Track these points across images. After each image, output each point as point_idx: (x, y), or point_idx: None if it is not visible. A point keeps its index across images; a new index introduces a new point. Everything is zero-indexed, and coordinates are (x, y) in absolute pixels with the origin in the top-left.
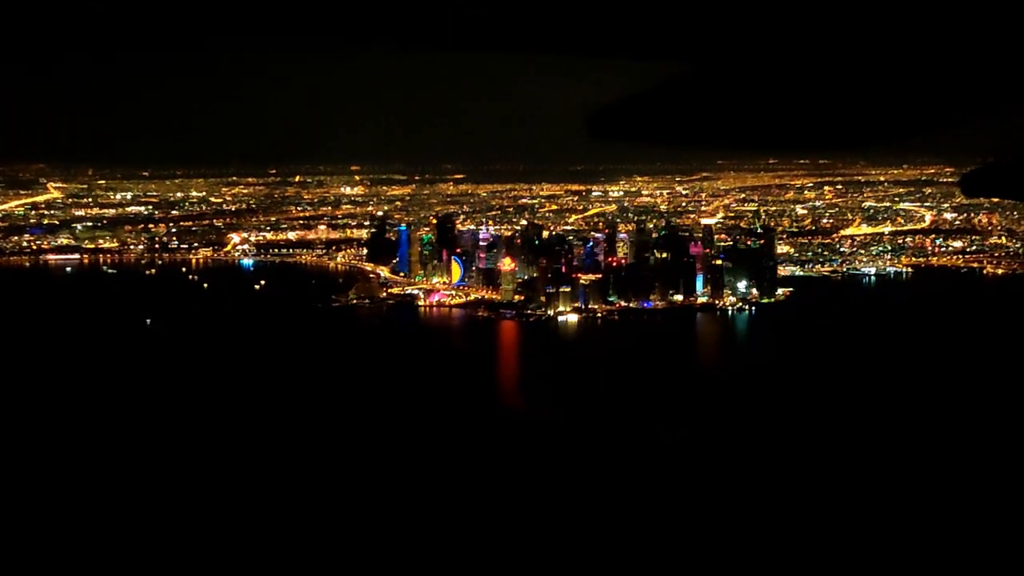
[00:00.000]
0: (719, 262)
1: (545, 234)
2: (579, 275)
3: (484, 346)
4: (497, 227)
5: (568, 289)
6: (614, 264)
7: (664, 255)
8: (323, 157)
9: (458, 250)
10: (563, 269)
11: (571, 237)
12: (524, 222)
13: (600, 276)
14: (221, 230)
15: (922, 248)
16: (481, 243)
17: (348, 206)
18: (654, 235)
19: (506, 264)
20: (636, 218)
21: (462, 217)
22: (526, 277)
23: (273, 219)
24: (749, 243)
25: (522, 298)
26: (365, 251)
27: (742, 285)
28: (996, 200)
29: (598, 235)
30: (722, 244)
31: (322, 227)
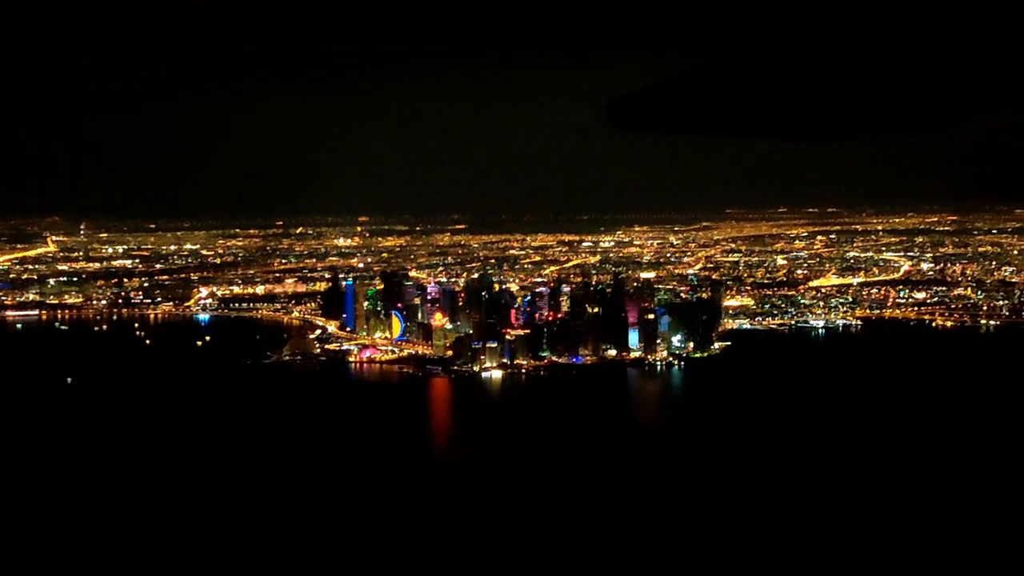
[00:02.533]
0: (651, 316)
1: (498, 287)
2: (507, 330)
3: (384, 406)
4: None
5: (495, 345)
6: (550, 318)
7: (596, 309)
8: (334, 208)
9: (399, 305)
10: (491, 324)
11: (540, 289)
12: (475, 275)
13: (529, 331)
14: (193, 283)
15: (881, 300)
16: (430, 296)
17: (334, 258)
18: (594, 289)
19: (437, 319)
20: (613, 269)
21: (439, 269)
22: (467, 331)
23: (251, 272)
24: (685, 296)
25: (451, 353)
26: (320, 305)
27: (677, 339)
28: (969, 250)
29: (543, 289)
30: (663, 298)
31: (290, 281)
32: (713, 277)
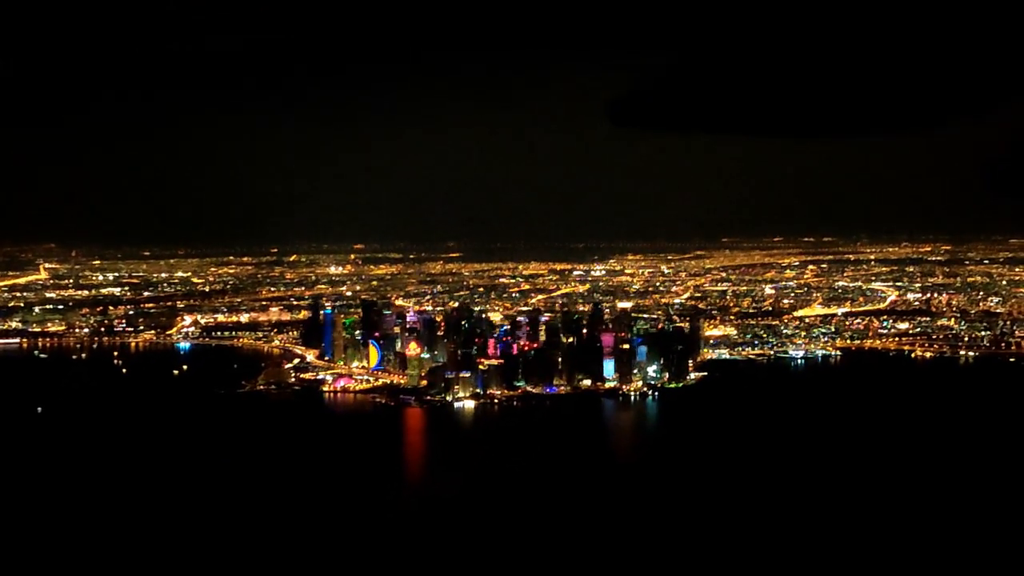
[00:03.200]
0: (627, 346)
1: (479, 315)
2: (482, 360)
3: (352, 438)
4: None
5: (468, 375)
6: (526, 348)
7: (571, 339)
8: (329, 236)
9: (376, 334)
10: (467, 354)
11: (519, 318)
12: (455, 304)
13: (503, 361)
14: (178, 311)
15: (863, 330)
16: (410, 325)
17: (323, 286)
18: (574, 318)
19: (412, 349)
20: (596, 298)
21: (427, 298)
22: (443, 361)
23: (238, 300)
24: (661, 327)
25: (426, 383)
26: (301, 334)
27: (652, 369)
28: (958, 281)
29: (521, 319)
30: (642, 327)
31: (274, 309)
32: (700, 306)
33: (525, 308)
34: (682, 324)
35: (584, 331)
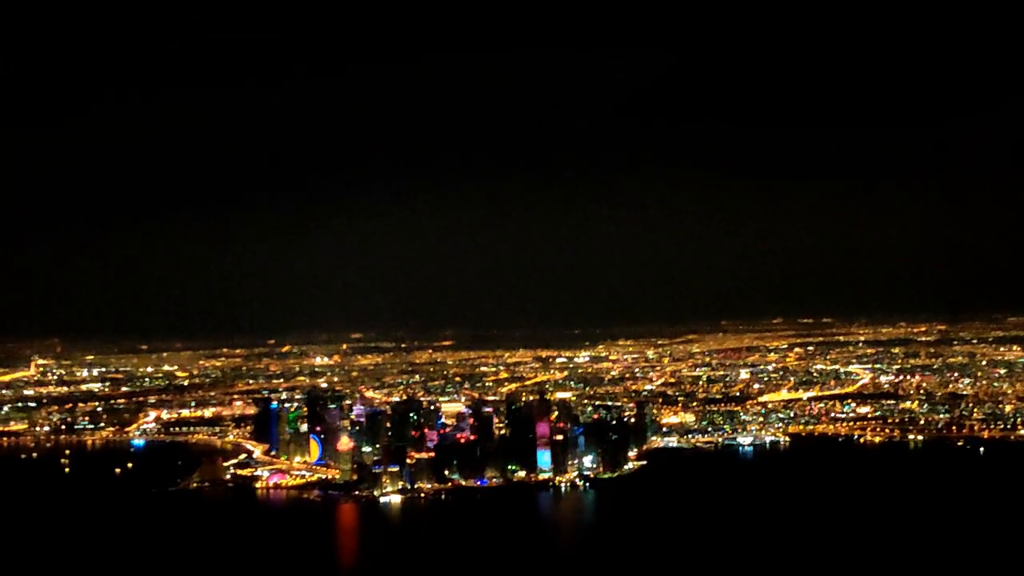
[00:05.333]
0: (560, 437)
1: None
2: (412, 453)
3: (266, 539)
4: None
5: (396, 468)
6: (462, 440)
7: (504, 430)
8: (329, 325)
9: (317, 428)
10: (400, 447)
11: (465, 410)
12: (404, 396)
13: (433, 454)
14: (146, 407)
15: (819, 415)
16: (357, 418)
17: (303, 378)
18: (513, 408)
19: (343, 443)
20: (573, 386)
21: (400, 387)
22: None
23: (212, 394)
24: (597, 417)
25: (356, 478)
26: (252, 429)
27: (589, 460)
28: (939, 362)
29: (465, 411)
30: (587, 416)
31: (238, 403)
32: (669, 392)
33: (492, 397)
34: (627, 412)
35: (524, 421)
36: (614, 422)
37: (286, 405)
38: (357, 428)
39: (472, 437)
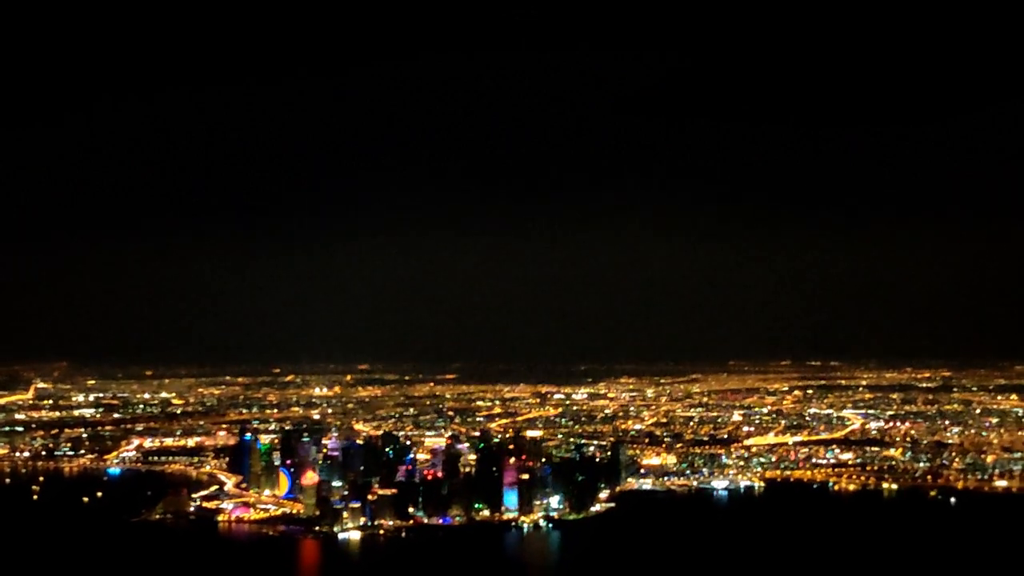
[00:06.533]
0: (526, 476)
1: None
2: (375, 489)
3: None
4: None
5: (357, 504)
6: (429, 477)
7: (469, 468)
8: (336, 355)
9: (288, 462)
10: (366, 483)
11: (438, 446)
12: (382, 431)
13: (396, 490)
14: (131, 434)
15: (798, 461)
16: (331, 452)
17: (297, 408)
18: (481, 446)
19: (308, 478)
20: (564, 423)
21: (391, 422)
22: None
23: (200, 423)
24: (567, 456)
25: (318, 513)
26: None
27: (555, 500)
28: (933, 408)
29: (437, 446)
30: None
31: (221, 433)
32: (656, 432)
33: (474, 433)
34: (597, 453)
35: (491, 459)
36: (582, 462)
37: (259, 438)
38: (329, 462)
39: (440, 474)
